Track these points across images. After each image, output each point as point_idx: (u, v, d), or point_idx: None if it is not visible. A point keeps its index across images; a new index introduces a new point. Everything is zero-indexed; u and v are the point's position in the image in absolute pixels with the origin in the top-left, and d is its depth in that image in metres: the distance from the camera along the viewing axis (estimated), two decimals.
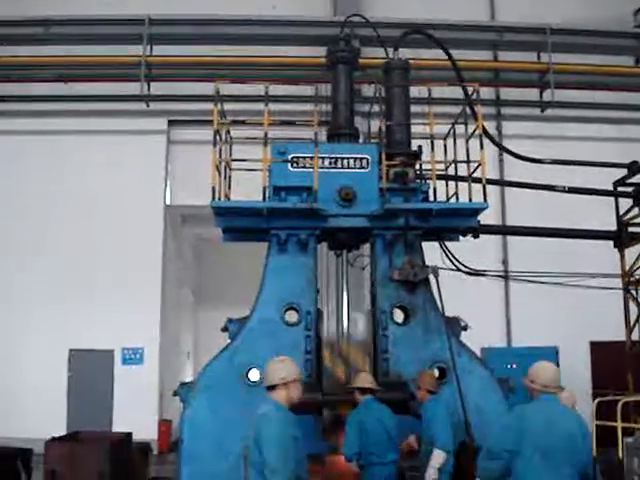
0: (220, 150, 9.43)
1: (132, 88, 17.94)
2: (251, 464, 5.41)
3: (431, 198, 9.42)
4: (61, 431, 13.63)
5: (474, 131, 9.63)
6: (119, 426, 15.80)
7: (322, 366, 8.90)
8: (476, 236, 9.99)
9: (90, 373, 17.46)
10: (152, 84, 18.13)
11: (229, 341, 9.09)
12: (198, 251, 24.11)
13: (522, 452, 5.57)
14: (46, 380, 17.09)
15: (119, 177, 17.92)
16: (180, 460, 8.71)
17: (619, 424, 5.64)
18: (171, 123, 18.75)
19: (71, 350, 17.52)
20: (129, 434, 12.80)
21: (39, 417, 16.12)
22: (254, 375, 8.79)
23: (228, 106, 10.38)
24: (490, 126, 16.79)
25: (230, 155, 10.04)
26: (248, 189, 9.70)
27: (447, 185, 10.37)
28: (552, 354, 15.44)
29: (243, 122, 10.13)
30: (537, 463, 5.51)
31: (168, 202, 18.58)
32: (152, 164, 18.23)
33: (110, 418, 17.30)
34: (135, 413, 16.35)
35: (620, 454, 5.66)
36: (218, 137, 9.27)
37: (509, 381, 9.14)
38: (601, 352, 17.14)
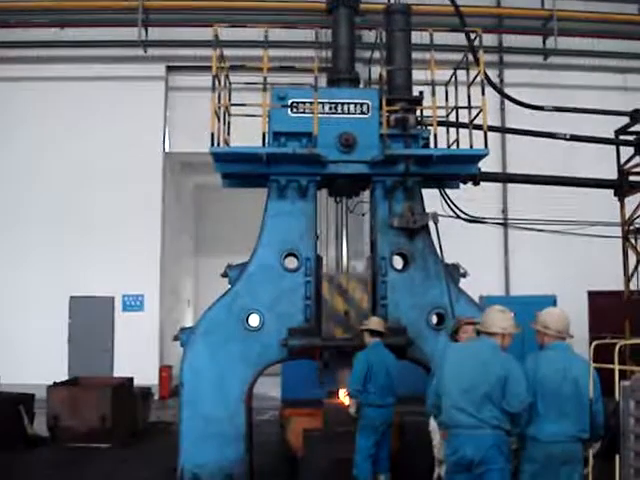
0: (219, 95, 9.32)
1: (129, 34, 17.77)
2: (489, 397, 5.60)
3: (432, 145, 9.34)
4: (62, 377, 13.79)
5: (476, 77, 9.53)
6: (120, 372, 15.99)
7: (322, 311, 8.93)
8: (476, 183, 9.94)
9: (91, 320, 17.60)
10: (150, 29, 17.97)
11: (229, 287, 9.13)
12: (197, 198, 24.05)
13: (538, 401, 5.61)
14: (47, 327, 17.26)
15: (117, 124, 17.82)
16: (181, 404, 8.82)
17: (616, 367, 5.68)
18: (169, 69, 18.58)
19: (72, 297, 17.63)
20: (130, 379, 12.98)
21: (40, 363, 16.31)
22: (254, 320, 8.85)
23: (227, 52, 10.23)
24: (492, 74, 16.59)
25: (229, 101, 9.93)
26: (248, 135, 9.62)
27: (448, 132, 10.30)
28: (550, 303, 15.29)
29: (242, 67, 10.01)
30: (550, 411, 5.55)
31: (167, 149, 18.49)
32: (150, 111, 18.10)
33: (111, 364, 17.53)
34: (136, 359, 16.55)
35: (617, 397, 5.73)
36: (217, 82, 9.16)
37: None
38: (599, 302, 17.19)
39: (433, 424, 5.96)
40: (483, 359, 5.78)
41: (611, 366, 5.65)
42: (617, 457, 5.63)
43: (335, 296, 8.96)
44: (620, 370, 5.73)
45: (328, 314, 8.93)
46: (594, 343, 5.94)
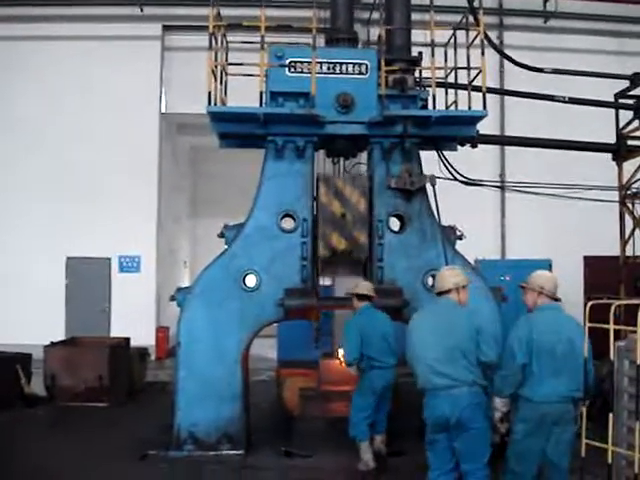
0: (216, 54, 9.22)
1: None
2: (462, 353, 5.73)
3: (430, 106, 9.29)
4: (59, 338, 13.84)
5: (475, 38, 9.44)
6: (117, 333, 16.01)
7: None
8: (474, 145, 9.91)
9: (87, 281, 17.62)
10: None
11: (226, 247, 9.13)
12: (194, 160, 23.90)
13: (533, 362, 5.65)
14: (44, 287, 17.26)
15: (112, 84, 17.62)
16: (177, 363, 8.87)
17: (611, 326, 5.72)
18: (166, 28, 18.29)
19: (68, 258, 17.63)
20: (127, 339, 13.03)
21: (37, 324, 16.30)
22: (250, 281, 8.87)
23: (224, 11, 10.11)
24: (492, 36, 16.35)
25: (226, 60, 9.83)
26: (245, 97, 9.54)
27: (447, 93, 10.24)
28: (545, 267, 15.37)
29: (239, 25, 9.88)
30: (545, 371, 5.60)
31: (163, 110, 18.33)
32: (146, 71, 17.85)
33: (108, 325, 17.60)
34: (133, 320, 16.56)
35: (612, 357, 5.78)
36: (214, 41, 9.06)
37: (502, 290, 9.24)
38: (594, 266, 17.24)
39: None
40: (447, 318, 5.91)
41: (606, 326, 5.68)
42: (610, 415, 5.69)
43: (332, 199, 8.90)
44: (614, 331, 5.77)
45: (324, 217, 8.89)
46: (590, 303, 5.96)
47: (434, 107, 9.19)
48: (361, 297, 8.35)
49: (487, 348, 5.72)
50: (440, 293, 6.11)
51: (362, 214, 8.93)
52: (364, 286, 8.46)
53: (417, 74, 9.55)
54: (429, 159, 9.63)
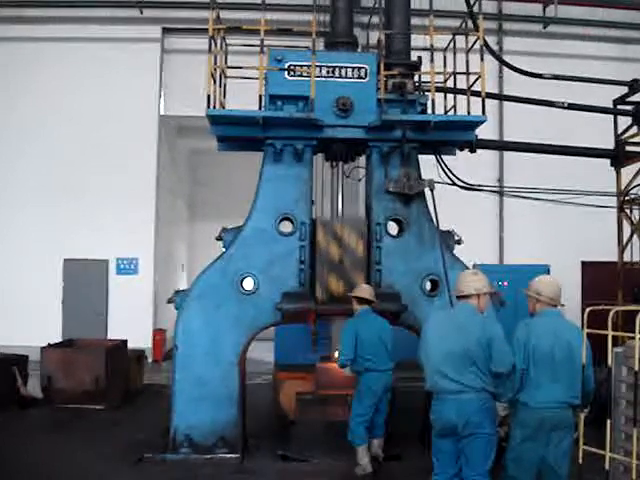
0: (215, 57, 9.22)
1: None
2: (472, 359, 5.66)
3: (429, 111, 9.29)
4: (56, 340, 13.79)
5: (474, 43, 9.46)
6: (114, 335, 15.96)
7: (316, 276, 8.92)
8: (473, 150, 9.91)
9: (85, 283, 17.59)
10: None
11: (223, 250, 9.12)
12: (193, 163, 23.89)
13: (530, 367, 5.63)
14: (41, 289, 17.25)
15: (111, 86, 17.61)
16: (174, 366, 8.85)
17: (610, 332, 5.70)
18: (165, 31, 18.30)
19: (65, 260, 17.60)
20: (124, 341, 13.01)
21: (34, 326, 16.30)
22: (248, 284, 8.86)
23: (224, 14, 10.13)
24: (491, 41, 16.45)
25: (226, 63, 9.84)
26: (244, 100, 9.54)
27: (445, 98, 10.24)
28: (543, 272, 15.29)
29: (239, 28, 9.88)
30: (543, 376, 5.58)
31: (162, 112, 18.31)
32: (146, 73, 17.84)
33: (105, 327, 17.55)
34: (130, 323, 16.59)
35: (609, 363, 5.77)
36: (213, 44, 9.06)
37: (500, 295, 9.23)
38: (592, 272, 17.25)
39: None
40: (461, 323, 5.86)
41: (605, 332, 5.67)
42: (608, 422, 5.68)
43: (330, 242, 8.90)
44: (612, 337, 5.75)
45: (322, 261, 8.90)
46: (588, 309, 5.95)
47: (433, 112, 9.20)
48: (361, 300, 8.35)
49: (499, 358, 5.67)
50: (459, 297, 6.05)
51: (360, 258, 8.92)
52: (365, 290, 8.45)
53: (416, 79, 9.54)
54: (428, 164, 9.63)
